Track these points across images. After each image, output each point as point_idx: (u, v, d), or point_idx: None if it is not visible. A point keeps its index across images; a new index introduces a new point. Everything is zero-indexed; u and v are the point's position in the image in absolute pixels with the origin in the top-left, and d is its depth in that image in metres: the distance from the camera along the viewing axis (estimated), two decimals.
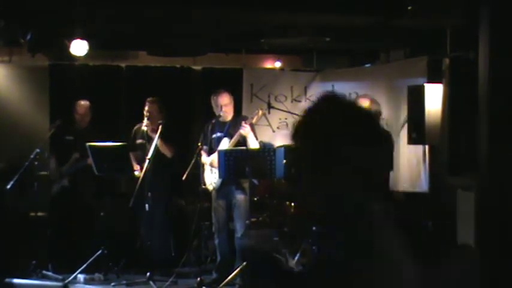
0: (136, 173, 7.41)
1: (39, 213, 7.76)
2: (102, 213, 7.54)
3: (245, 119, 7.17)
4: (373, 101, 6.87)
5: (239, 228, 7.12)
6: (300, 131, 2.11)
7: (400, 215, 6.94)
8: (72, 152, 7.78)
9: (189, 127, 8.88)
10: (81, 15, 6.69)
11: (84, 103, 8.04)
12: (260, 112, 7.24)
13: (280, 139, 8.64)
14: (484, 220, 5.40)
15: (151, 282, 7.01)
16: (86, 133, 7.83)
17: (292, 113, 8.48)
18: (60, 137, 7.92)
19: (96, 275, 7.37)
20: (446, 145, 7.05)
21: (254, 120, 7.16)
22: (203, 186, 7.30)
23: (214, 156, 7.11)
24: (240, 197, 7.13)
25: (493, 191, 5.37)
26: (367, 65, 8.79)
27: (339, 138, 2.06)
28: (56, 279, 7.24)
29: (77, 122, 8.04)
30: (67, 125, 7.95)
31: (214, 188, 7.25)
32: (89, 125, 8.04)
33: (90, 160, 7.37)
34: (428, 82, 7.09)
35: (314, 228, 7.72)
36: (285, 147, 7.68)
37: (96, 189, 7.88)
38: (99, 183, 7.72)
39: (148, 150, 7.24)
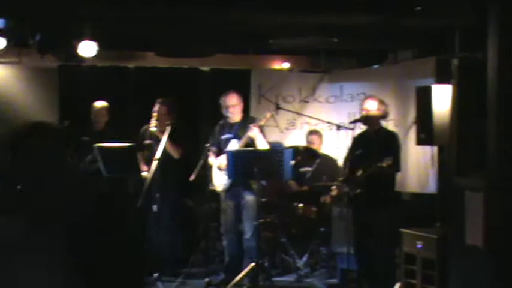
0: (144, 173, 7.42)
1: None
2: None
3: (254, 120, 7.17)
4: (380, 101, 6.87)
5: (248, 229, 7.11)
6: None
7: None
8: (87, 153, 7.78)
9: (197, 128, 8.88)
10: (90, 16, 6.71)
11: (100, 104, 8.05)
12: (268, 114, 7.24)
13: (288, 140, 8.65)
14: (492, 221, 5.38)
15: (159, 283, 7.01)
16: (102, 134, 7.84)
17: (300, 114, 8.48)
18: (75, 137, 7.94)
19: None
20: (454, 146, 7.01)
21: (262, 123, 7.16)
22: (211, 188, 7.30)
23: (222, 159, 7.11)
24: (249, 197, 7.13)
25: (502, 192, 5.35)
26: (375, 66, 8.78)
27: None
28: None
29: (92, 123, 8.05)
30: (82, 125, 7.97)
31: (223, 189, 7.25)
32: (106, 127, 8.05)
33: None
34: (436, 83, 7.07)
35: (322, 229, 7.74)
36: (294, 148, 7.69)
37: (109, 191, 7.88)
38: (112, 185, 7.68)
39: (156, 151, 7.24)
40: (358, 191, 6.65)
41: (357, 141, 6.84)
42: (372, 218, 6.62)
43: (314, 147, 8.12)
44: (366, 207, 6.65)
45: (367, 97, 7.18)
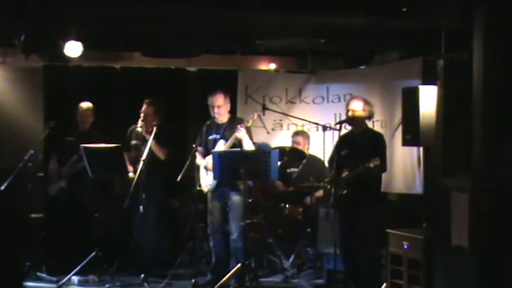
0: (130, 174, 7.39)
1: (34, 215, 7.73)
2: (96, 215, 7.52)
3: (241, 121, 7.16)
4: (365, 102, 6.87)
5: (234, 229, 7.10)
6: None
7: None
8: (73, 153, 7.75)
9: (184, 129, 8.86)
10: (76, 15, 6.68)
11: (86, 105, 8.02)
12: (255, 116, 7.23)
13: (275, 140, 8.65)
14: (477, 222, 5.40)
15: (145, 284, 7.00)
16: (88, 135, 7.81)
17: (286, 115, 8.48)
18: (61, 138, 7.91)
19: (90, 277, 7.36)
20: (440, 147, 7.04)
21: (249, 124, 7.14)
22: (198, 188, 7.29)
23: (209, 159, 7.10)
24: (235, 198, 7.12)
25: (487, 192, 5.37)
26: (362, 67, 8.79)
27: None
28: (50, 281, 7.23)
29: (78, 123, 8.01)
30: (68, 126, 7.94)
31: (209, 190, 7.24)
32: (91, 127, 8.01)
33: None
34: (422, 83, 7.09)
35: (308, 230, 7.74)
36: (280, 148, 7.69)
37: (92, 191, 7.86)
38: (95, 185, 7.67)
39: (142, 152, 7.23)
40: (345, 191, 6.65)
41: (343, 142, 6.84)
42: (358, 219, 6.63)
43: (299, 148, 8.12)
44: (352, 207, 6.66)
45: (352, 98, 7.19)
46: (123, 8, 6.45)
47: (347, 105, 6.95)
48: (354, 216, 6.65)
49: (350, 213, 6.68)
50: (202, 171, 7.28)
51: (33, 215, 7.73)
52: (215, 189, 7.20)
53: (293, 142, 8.24)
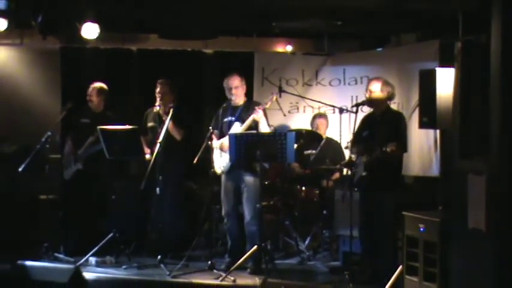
0: (147, 156, 7.42)
1: (51, 196, 7.79)
2: (113, 197, 7.57)
3: (258, 104, 7.15)
4: (384, 82, 6.81)
5: (247, 213, 7.11)
6: None
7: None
8: (88, 135, 7.77)
9: (201, 110, 8.88)
10: None
11: (96, 85, 7.99)
12: (274, 97, 7.23)
13: (291, 123, 8.64)
14: (494, 204, 5.38)
15: (162, 265, 7.03)
16: (102, 116, 7.83)
17: (303, 97, 8.47)
18: (76, 119, 7.94)
19: (108, 258, 7.40)
20: (457, 129, 7.01)
21: (268, 105, 7.13)
22: (212, 170, 7.30)
23: (223, 140, 7.11)
24: (249, 180, 7.11)
25: (504, 175, 5.34)
26: (379, 49, 8.75)
27: None
28: (68, 262, 7.27)
29: (91, 105, 8.00)
30: (82, 107, 7.95)
31: (222, 172, 7.25)
32: (105, 109, 8.01)
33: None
34: (440, 66, 7.05)
35: (324, 212, 7.75)
36: (297, 131, 7.69)
37: (109, 173, 7.89)
38: (112, 167, 7.69)
39: (159, 134, 7.25)
40: (365, 173, 6.63)
41: (364, 123, 6.83)
42: (377, 200, 6.61)
43: (321, 131, 8.12)
44: (372, 189, 6.64)
45: (371, 79, 7.14)
46: None
47: (367, 86, 6.92)
48: (373, 198, 6.64)
49: (370, 195, 6.67)
50: (216, 153, 7.29)
51: (50, 196, 7.79)
52: (229, 171, 7.21)
53: (314, 124, 8.23)
